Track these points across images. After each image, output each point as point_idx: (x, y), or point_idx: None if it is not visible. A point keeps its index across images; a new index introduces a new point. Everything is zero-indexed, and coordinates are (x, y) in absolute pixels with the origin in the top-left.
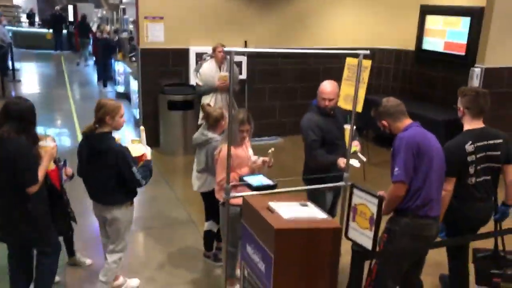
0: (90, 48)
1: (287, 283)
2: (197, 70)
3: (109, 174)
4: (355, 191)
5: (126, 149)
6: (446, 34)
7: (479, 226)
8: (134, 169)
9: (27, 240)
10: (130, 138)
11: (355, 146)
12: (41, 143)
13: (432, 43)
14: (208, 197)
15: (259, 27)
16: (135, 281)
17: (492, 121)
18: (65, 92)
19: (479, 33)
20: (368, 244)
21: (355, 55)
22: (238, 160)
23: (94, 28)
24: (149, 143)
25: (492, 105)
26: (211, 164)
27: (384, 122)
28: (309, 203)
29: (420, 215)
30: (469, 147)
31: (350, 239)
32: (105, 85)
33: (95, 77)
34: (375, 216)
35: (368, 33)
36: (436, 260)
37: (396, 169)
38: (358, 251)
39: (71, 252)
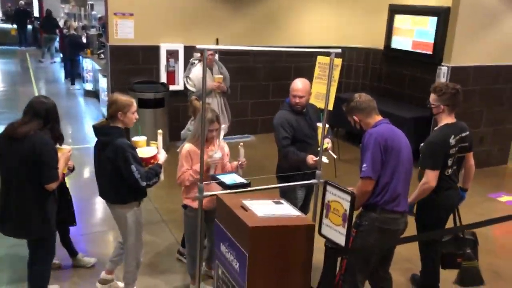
0: (57, 44)
1: (262, 281)
2: (187, 76)
3: (110, 169)
4: (328, 188)
5: (130, 145)
6: (414, 33)
7: (450, 213)
8: (134, 167)
9: (37, 235)
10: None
11: (326, 143)
12: (57, 145)
13: (401, 42)
14: None
15: (231, 25)
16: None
17: (458, 117)
18: (31, 89)
19: (446, 33)
20: (341, 240)
21: (327, 54)
22: (197, 159)
23: (61, 24)
24: None
25: None
26: None
27: (355, 117)
28: (282, 201)
29: (387, 210)
30: (452, 140)
31: (324, 236)
32: (72, 83)
33: (62, 74)
34: (348, 213)
35: (338, 32)
36: (403, 255)
37: (364, 165)
38: (332, 248)
39: (72, 252)
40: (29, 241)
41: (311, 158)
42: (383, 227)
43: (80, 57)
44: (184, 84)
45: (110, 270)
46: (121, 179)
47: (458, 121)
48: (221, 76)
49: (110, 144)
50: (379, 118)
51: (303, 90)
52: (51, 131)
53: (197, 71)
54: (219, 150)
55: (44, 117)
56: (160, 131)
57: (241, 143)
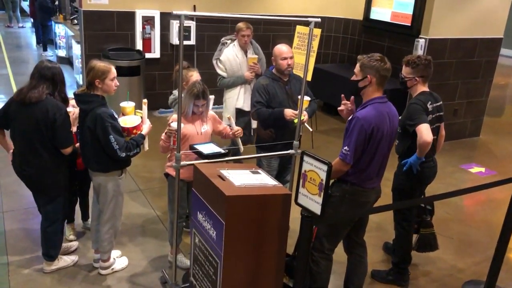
0: (27, 8)
1: (238, 249)
2: (217, 58)
3: (91, 138)
4: (305, 158)
5: (111, 115)
6: (393, 5)
7: (427, 183)
8: (112, 137)
9: (48, 194)
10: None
11: (303, 115)
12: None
13: (380, 13)
14: None
15: None
16: (123, 261)
17: (434, 89)
18: (1, 55)
19: (425, 5)
20: (317, 209)
21: (306, 23)
22: (184, 135)
23: None
24: None
25: (434, 75)
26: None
27: (369, 77)
28: (260, 170)
29: (358, 185)
30: (430, 106)
31: (300, 205)
32: (44, 49)
33: (33, 40)
34: (324, 182)
35: (317, 1)
36: (377, 223)
37: (346, 148)
38: (307, 216)
39: (85, 217)
40: (41, 202)
41: (289, 113)
42: (354, 198)
43: (52, 23)
44: (218, 74)
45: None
46: (102, 148)
47: (431, 91)
48: (256, 56)
49: (90, 112)
50: (378, 94)
51: (290, 51)
52: (59, 94)
53: (229, 52)
54: (208, 122)
55: (51, 80)
56: (145, 100)
57: (229, 116)
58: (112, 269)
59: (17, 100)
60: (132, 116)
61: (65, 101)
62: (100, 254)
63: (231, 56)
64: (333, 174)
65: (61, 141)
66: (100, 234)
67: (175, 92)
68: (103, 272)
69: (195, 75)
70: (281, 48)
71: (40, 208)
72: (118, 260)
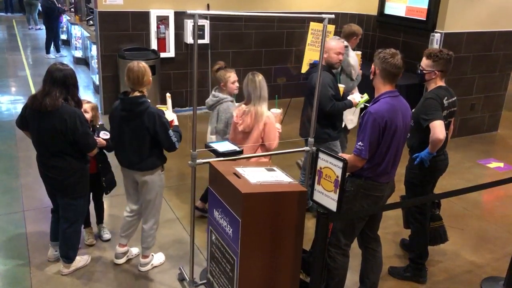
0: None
1: (255, 246)
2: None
3: (144, 137)
4: (321, 155)
5: (162, 112)
6: None
7: (439, 177)
8: (171, 131)
9: (68, 195)
10: (156, 105)
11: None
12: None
13: (394, 8)
14: None
15: None
16: (160, 256)
17: (450, 83)
18: (19, 57)
19: None
20: (332, 206)
21: (320, 20)
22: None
23: None
24: (110, 110)
25: (451, 69)
26: (222, 125)
27: (376, 68)
28: (275, 168)
29: (372, 179)
30: (446, 101)
31: (316, 202)
32: (47, 51)
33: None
34: (339, 179)
35: None
36: (393, 218)
37: (360, 143)
38: (323, 213)
39: (99, 220)
40: (62, 203)
41: (353, 99)
42: (368, 193)
43: (66, 22)
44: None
45: (124, 244)
46: (152, 146)
47: (447, 86)
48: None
49: (146, 113)
50: (388, 88)
51: (341, 46)
52: (72, 98)
53: (352, 56)
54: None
55: (63, 84)
56: (168, 94)
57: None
58: (152, 264)
59: (32, 108)
60: (166, 112)
61: (79, 105)
62: (142, 250)
63: (354, 61)
64: (349, 169)
65: (86, 147)
66: (144, 231)
67: (218, 93)
68: (143, 269)
69: (232, 76)
70: (334, 42)
71: (59, 210)
72: (156, 256)
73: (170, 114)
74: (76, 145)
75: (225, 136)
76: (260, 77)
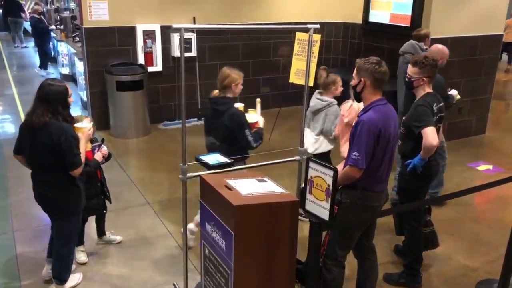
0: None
1: (249, 258)
2: None
3: (224, 134)
4: (311, 164)
5: (242, 113)
6: (391, 6)
7: (431, 182)
8: (247, 131)
9: (60, 214)
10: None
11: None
12: (77, 124)
13: (379, 15)
14: (323, 159)
15: (207, 3)
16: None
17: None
18: (5, 75)
19: (423, 5)
20: (325, 215)
21: (305, 30)
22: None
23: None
24: (98, 126)
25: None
26: (329, 127)
27: (364, 80)
28: (266, 178)
29: (368, 189)
30: (435, 107)
31: (308, 212)
32: (44, 68)
33: (36, 59)
34: (330, 188)
35: (316, 7)
36: (388, 225)
37: (356, 153)
38: (316, 222)
39: (101, 233)
40: (56, 223)
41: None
42: (365, 204)
43: (54, 41)
44: None
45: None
46: (232, 142)
47: (435, 92)
48: None
49: (227, 112)
50: (377, 96)
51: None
52: (59, 114)
53: None
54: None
55: (50, 101)
56: (258, 99)
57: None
58: None
59: (25, 126)
60: (251, 114)
61: (68, 121)
62: None
63: None
64: (345, 181)
65: (68, 164)
66: None
67: (325, 98)
68: None
69: (338, 80)
70: (445, 49)
71: (54, 230)
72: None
73: (255, 117)
74: (62, 161)
75: (332, 134)
76: None
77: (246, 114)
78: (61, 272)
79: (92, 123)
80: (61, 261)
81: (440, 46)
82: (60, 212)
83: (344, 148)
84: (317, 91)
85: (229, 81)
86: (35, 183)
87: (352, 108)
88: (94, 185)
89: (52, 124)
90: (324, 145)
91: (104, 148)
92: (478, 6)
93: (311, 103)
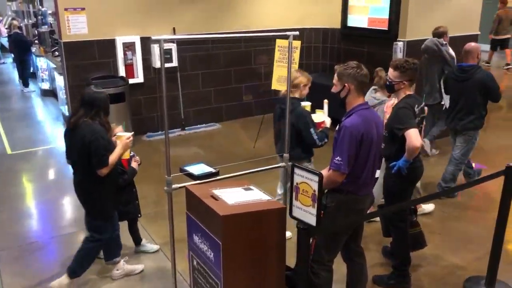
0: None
1: (237, 268)
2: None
3: (292, 131)
4: (296, 170)
5: (308, 113)
6: (369, 11)
7: (416, 183)
8: (312, 130)
9: (91, 213)
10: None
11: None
12: (119, 132)
13: (357, 20)
14: None
15: (187, 13)
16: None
17: (416, 90)
18: None
19: (400, 8)
20: (312, 220)
21: (285, 37)
22: None
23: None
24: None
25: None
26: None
27: (348, 85)
28: (252, 186)
29: (354, 193)
30: (417, 109)
31: (295, 218)
32: (25, 85)
33: (15, 75)
34: (316, 193)
35: (295, 13)
36: (375, 228)
37: (339, 158)
38: (304, 228)
39: (137, 241)
40: (89, 220)
41: None
42: (350, 207)
43: (33, 56)
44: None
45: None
46: (298, 139)
47: (415, 94)
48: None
49: (293, 111)
50: (360, 101)
51: None
52: (97, 119)
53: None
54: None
55: (93, 106)
56: (326, 100)
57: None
58: None
59: (66, 128)
60: (318, 114)
61: (104, 126)
62: None
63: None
64: (329, 185)
65: (94, 163)
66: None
67: (379, 96)
68: None
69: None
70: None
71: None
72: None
73: (322, 117)
74: (91, 161)
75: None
76: None
77: (313, 115)
78: (76, 266)
79: (132, 133)
80: (79, 255)
81: (474, 43)
82: (88, 212)
83: None
84: (372, 88)
85: (298, 82)
86: (73, 183)
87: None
88: (130, 191)
89: (87, 126)
90: None
91: (137, 157)
92: (453, 8)
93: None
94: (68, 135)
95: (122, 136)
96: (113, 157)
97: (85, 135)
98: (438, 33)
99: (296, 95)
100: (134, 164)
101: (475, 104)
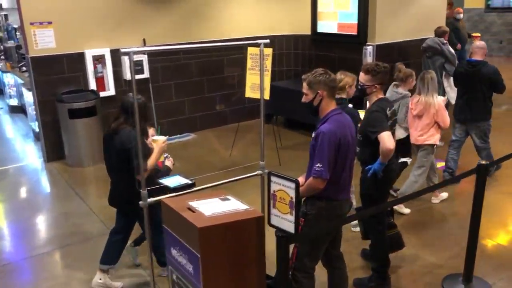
0: None
1: (217, 279)
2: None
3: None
4: (273, 178)
5: (357, 112)
6: (338, 16)
7: (391, 185)
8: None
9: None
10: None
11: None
12: (155, 137)
13: (326, 25)
14: (404, 142)
15: (157, 23)
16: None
17: (384, 92)
18: None
19: (368, 13)
20: (290, 228)
21: (256, 45)
22: None
23: None
24: (53, 156)
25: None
26: (401, 116)
27: (321, 92)
28: (229, 197)
29: (333, 199)
30: (388, 112)
31: (273, 226)
32: None
33: None
34: (294, 200)
35: (266, 21)
36: (348, 228)
37: (319, 165)
38: (282, 236)
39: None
40: (119, 217)
41: None
42: (330, 213)
43: None
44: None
45: None
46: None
47: (386, 97)
48: None
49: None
50: (333, 106)
51: None
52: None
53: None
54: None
55: (129, 112)
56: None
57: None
58: None
59: (105, 133)
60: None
61: (143, 133)
62: None
63: None
64: (310, 192)
65: (135, 169)
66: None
67: (400, 90)
68: None
69: (414, 74)
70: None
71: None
72: None
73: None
74: (129, 163)
75: (404, 121)
76: (429, 75)
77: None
78: (105, 255)
79: (167, 136)
80: (109, 246)
81: (483, 42)
82: (122, 211)
83: (414, 136)
84: (393, 83)
85: (344, 84)
86: (110, 192)
87: (419, 103)
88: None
89: (125, 132)
90: (399, 133)
91: (171, 158)
92: (419, 10)
93: (387, 94)
94: (107, 140)
95: (158, 140)
96: (151, 161)
97: (123, 140)
98: (439, 33)
99: (343, 95)
100: (168, 163)
101: (482, 96)
